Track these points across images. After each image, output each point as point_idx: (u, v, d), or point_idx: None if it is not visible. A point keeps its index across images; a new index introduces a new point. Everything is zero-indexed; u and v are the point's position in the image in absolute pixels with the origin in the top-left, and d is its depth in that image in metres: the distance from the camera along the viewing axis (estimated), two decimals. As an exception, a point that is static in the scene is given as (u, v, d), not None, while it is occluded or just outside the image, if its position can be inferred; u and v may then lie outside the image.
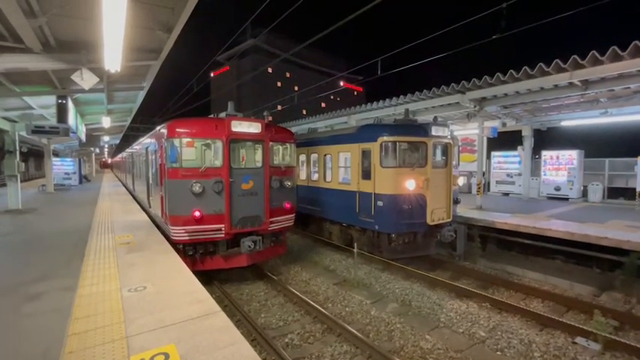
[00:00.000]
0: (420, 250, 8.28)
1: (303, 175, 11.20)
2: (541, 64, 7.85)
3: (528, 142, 13.32)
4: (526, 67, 8.14)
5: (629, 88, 8.13)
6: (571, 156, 13.16)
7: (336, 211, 9.50)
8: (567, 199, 12.94)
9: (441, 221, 7.99)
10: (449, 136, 8.32)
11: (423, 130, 7.86)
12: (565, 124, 12.48)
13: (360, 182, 8.36)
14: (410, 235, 8.04)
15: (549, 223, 8.09)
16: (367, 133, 8.27)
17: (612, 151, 14.74)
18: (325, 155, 9.91)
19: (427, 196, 7.69)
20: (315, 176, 10.55)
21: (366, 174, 8.15)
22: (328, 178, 9.80)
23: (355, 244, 8.02)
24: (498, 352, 4.77)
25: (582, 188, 13.20)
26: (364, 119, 13.84)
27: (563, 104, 10.33)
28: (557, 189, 13.32)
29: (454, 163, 8.56)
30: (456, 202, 8.56)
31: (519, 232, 8.12)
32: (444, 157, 8.33)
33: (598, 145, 16.54)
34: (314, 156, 10.58)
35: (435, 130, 7.87)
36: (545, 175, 13.81)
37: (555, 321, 5.52)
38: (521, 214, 9.44)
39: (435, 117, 8.77)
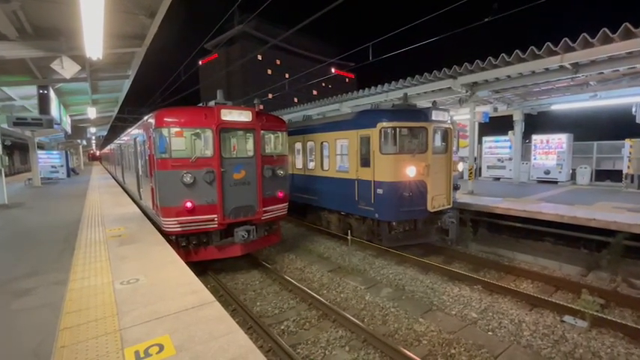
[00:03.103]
0: (420, 238, 8.18)
1: (299, 164, 10.94)
2: (532, 47, 7.81)
3: (519, 127, 13.40)
4: (518, 50, 8.10)
5: (618, 70, 8.17)
6: (560, 140, 13.32)
7: (334, 199, 9.32)
8: (556, 182, 13.16)
9: (441, 208, 7.90)
10: (449, 121, 8.10)
11: (423, 114, 7.63)
12: (555, 107, 12.57)
13: (358, 170, 8.18)
14: (410, 222, 7.91)
15: (539, 206, 8.22)
16: (366, 119, 8.02)
17: (600, 134, 14.97)
18: (322, 143, 9.64)
19: (428, 183, 7.55)
20: (312, 165, 10.30)
21: (365, 161, 7.95)
22: (325, 167, 9.57)
23: (349, 232, 8.05)
24: (490, 333, 4.90)
25: (571, 171, 13.42)
26: (356, 106, 13.73)
27: (554, 88, 10.36)
28: (547, 172, 13.53)
29: (454, 148, 8.41)
30: (456, 188, 8.40)
31: (510, 216, 8.24)
32: (443, 143, 8.14)
33: (587, 129, 16.77)
34: (310, 144, 10.27)
35: (435, 115, 7.65)
36: (535, 159, 13.98)
37: (544, 301, 5.67)
38: (512, 198, 9.57)
39: (434, 101, 8.62)
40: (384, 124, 7.54)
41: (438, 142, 8.04)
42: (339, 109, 14.43)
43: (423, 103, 10.51)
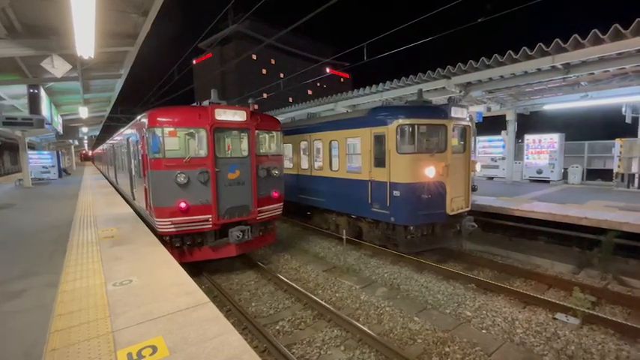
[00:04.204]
0: (438, 243, 7.74)
1: (305, 164, 10.40)
2: (525, 47, 7.89)
3: (512, 127, 13.55)
4: (510, 51, 8.18)
5: (608, 71, 8.30)
6: (552, 139, 13.50)
7: (344, 202, 8.81)
8: (548, 181, 13.34)
9: (459, 210, 7.49)
10: (467, 118, 7.71)
11: (442, 111, 7.21)
12: (547, 107, 12.73)
13: (372, 170, 7.70)
14: (428, 226, 7.46)
15: (532, 205, 8.32)
16: (380, 116, 7.50)
17: (591, 133, 15.21)
18: (331, 142, 9.12)
19: (447, 184, 7.13)
20: (319, 165, 9.74)
21: (379, 161, 7.47)
22: (334, 167, 9.05)
23: (344, 231, 8.03)
24: (484, 331, 4.94)
25: (563, 171, 13.61)
26: (351, 105, 13.76)
27: (546, 88, 10.49)
28: (539, 172, 13.70)
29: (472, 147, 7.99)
30: (474, 189, 7.97)
31: (503, 215, 8.32)
32: (462, 142, 7.72)
33: (578, 129, 17.02)
34: (317, 143, 9.71)
35: (454, 112, 7.22)
36: (527, 158, 14.15)
37: (537, 299, 5.73)
38: (505, 197, 9.67)
39: (450, 97, 8.34)
40: (402, 121, 7.05)
41: (456, 140, 7.62)
42: (333, 109, 14.45)
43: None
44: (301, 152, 10.58)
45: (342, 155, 8.75)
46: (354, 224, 8.95)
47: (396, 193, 7.20)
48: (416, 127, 7.09)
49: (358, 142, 8.18)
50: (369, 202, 7.83)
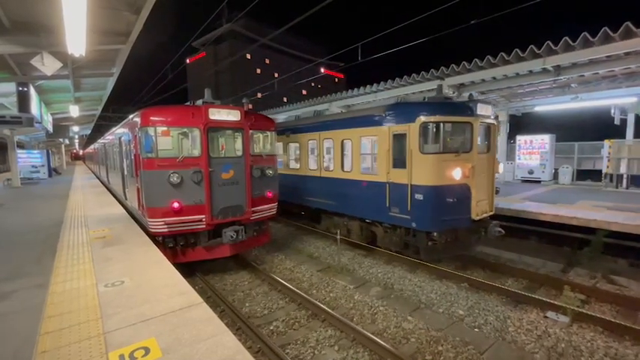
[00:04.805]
0: (461, 249, 7.26)
1: (313, 164, 9.80)
2: (517, 49, 8.01)
3: (504, 127, 13.72)
4: (502, 53, 8.29)
5: (597, 73, 8.45)
6: (543, 140, 13.71)
7: (357, 205, 8.25)
8: (540, 181, 13.54)
9: (484, 215, 7.03)
10: (492, 116, 7.21)
11: (468, 108, 6.68)
12: (539, 109, 12.93)
13: (390, 172, 7.16)
14: (451, 232, 6.93)
15: (523, 205, 8.43)
16: (400, 113, 7.03)
17: (581, 135, 15.49)
18: (343, 141, 8.54)
19: (472, 187, 6.65)
20: (330, 165, 9.14)
21: (399, 162, 6.96)
22: (347, 167, 8.50)
23: (339, 232, 8.02)
24: (476, 329, 4.99)
25: (553, 171, 13.83)
26: (345, 106, 13.79)
27: (537, 89, 10.65)
28: (531, 172, 13.90)
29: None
30: (497, 192, 7.51)
31: (496, 215, 8.40)
32: (486, 141, 7.24)
33: (569, 130, 17.32)
34: (328, 142, 9.11)
35: (480, 109, 6.71)
36: (519, 159, 14.35)
37: (528, 297, 5.81)
38: (497, 197, 9.76)
39: (471, 94, 7.94)
40: (425, 118, 6.52)
41: (481, 139, 7.13)
42: (328, 109, 14.47)
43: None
44: (309, 152, 9.98)
45: (356, 155, 8.18)
46: (367, 229, 8.45)
47: (419, 196, 6.67)
48: (441, 124, 6.55)
49: (375, 141, 7.62)
50: (387, 205, 7.30)
